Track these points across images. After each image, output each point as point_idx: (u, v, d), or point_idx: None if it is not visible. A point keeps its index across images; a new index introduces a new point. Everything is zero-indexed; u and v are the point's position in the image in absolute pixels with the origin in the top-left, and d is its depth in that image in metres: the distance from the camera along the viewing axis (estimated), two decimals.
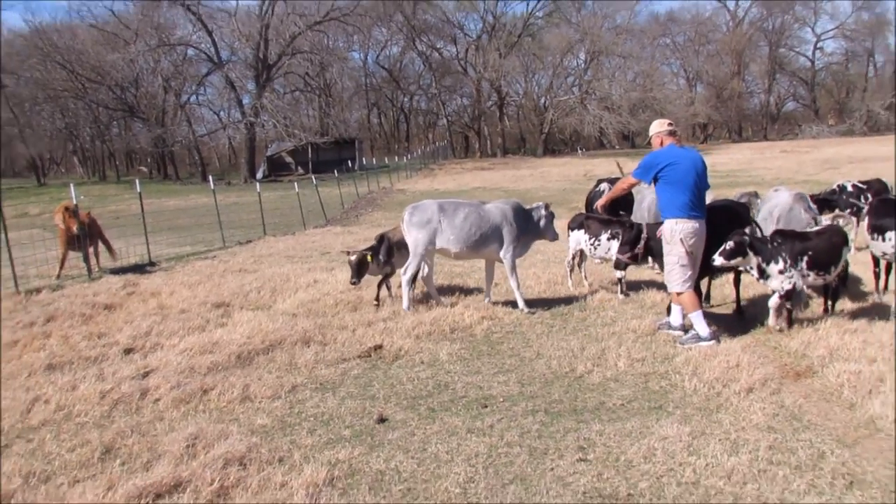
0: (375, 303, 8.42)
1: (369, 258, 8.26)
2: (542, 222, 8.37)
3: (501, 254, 8.12)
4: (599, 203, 7.63)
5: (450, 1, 72.81)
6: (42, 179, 60.98)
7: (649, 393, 5.41)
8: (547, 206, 8.48)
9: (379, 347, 6.76)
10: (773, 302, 6.56)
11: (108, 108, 59.11)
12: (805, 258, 6.48)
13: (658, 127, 6.88)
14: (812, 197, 10.16)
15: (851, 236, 10.43)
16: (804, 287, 6.88)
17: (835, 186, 10.83)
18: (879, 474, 4.01)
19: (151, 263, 13.37)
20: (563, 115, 67.42)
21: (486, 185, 35.84)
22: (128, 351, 6.94)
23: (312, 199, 24.45)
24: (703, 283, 7.90)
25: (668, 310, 7.17)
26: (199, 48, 56.03)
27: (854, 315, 7.00)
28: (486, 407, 5.24)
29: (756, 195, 10.59)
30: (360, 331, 7.36)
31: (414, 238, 8.02)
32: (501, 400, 5.37)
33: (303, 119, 62.59)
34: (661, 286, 9.01)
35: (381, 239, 8.48)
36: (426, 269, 8.51)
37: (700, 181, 6.53)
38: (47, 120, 63.20)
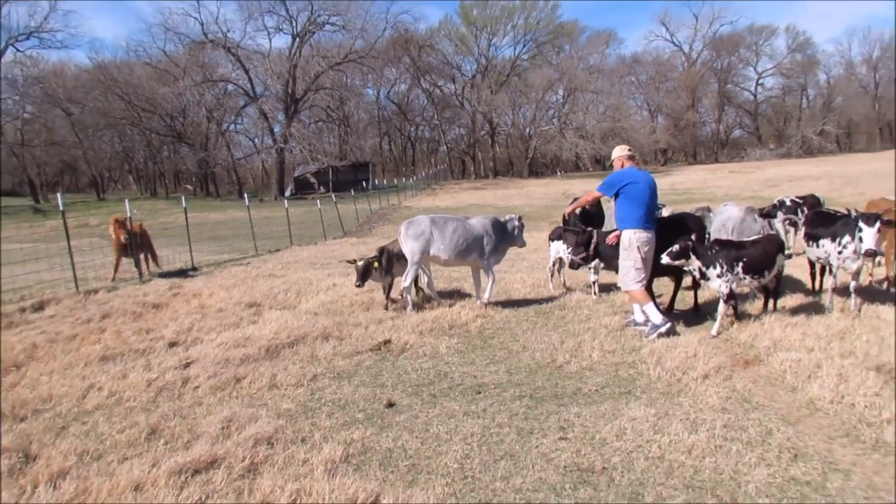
0: (387, 306, 8.30)
1: (375, 265, 8.11)
2: (514, 232, 8.37)
3: (482, 261, 8.10)
4: (567, 210, 7.60)
5: (449, 46, 73.16)
6: (102, 195, 60.86)
7: (619, 380, 5.34)
8: (519, 218, 8.49)
9: (388, 342, 6.68)
10: (722, 308, 6.48)
11: (159, 134, 59.12)
12: (741, 264, 6.42)
13: (620, 152, 7.00)
14: (759, 210, 10.12)
15: (790, 244, 10.40)
16: (751, 288, 6.82)
17: (776, 201, 10.73)
18: (819, 448, 3.94)
19: (194, 268, 13.29)
20: (544, 143, 67.60)
21: (479, 203, 35.81)
22: (172, 344, 6.87)
23: (332, 213, 24.40)
24: (661, 291, 7.82)
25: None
26: (238, 84, 56.10)
27: (794, 311, 6.93)
28: (480, 393, 5.17)
29: (709, 209, 10.52)
30: (371, 328, 7.29)
31: (410, 248, 7.92)
32: (493, 387, 5.30)
33: (325, 145, 62.59)
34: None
35: (382, 251, 8.31)
36: (425, 278, 8.44)
37: (653, 198, 6.73)
38: (107, 144, 63.23)
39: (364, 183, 47.85)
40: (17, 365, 6.28)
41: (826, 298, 7.17)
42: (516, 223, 8.40)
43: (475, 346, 6.58)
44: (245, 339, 6.79)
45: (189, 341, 6.98)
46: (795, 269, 9.02)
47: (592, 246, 7.48)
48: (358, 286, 8.12)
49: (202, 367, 5.89)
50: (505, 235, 8.28)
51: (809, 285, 8.09)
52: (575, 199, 7.85)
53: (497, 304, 8.29)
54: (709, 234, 7.60)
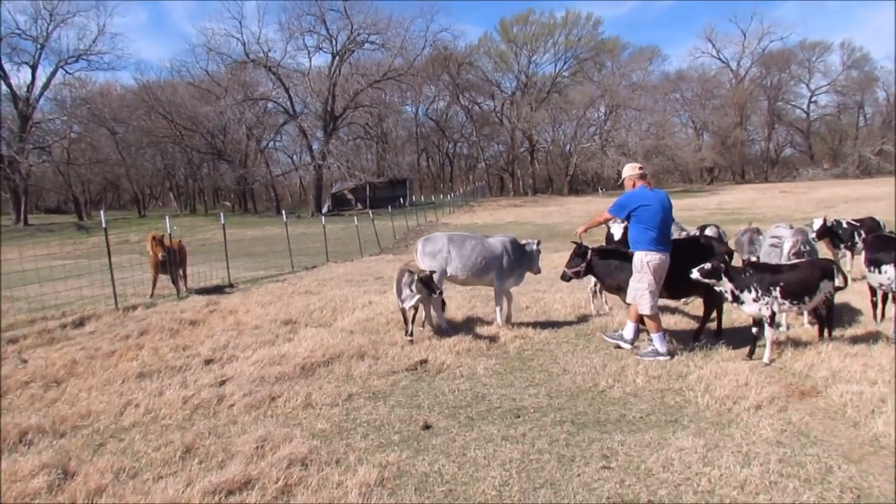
0: (421, 326, 8.18)
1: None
2: (532, 256, 8.31)
3: (498, 282, 8.02)
4: (579, 230, 7.55)
5: (488, 63, 73.63)
6: (143, 212, 62.59)
7: (666, 407, 5.21)
8: (538, 243, 8.44)
9: (424, 362, 6.66)
10: (769, 334, 6.27)
11: (200, 151, 60.60)
12: (778, 288, 6.22)
13: (630, 170, 6.93)
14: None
15: (847, 268, 10.04)
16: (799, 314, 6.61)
17: (831, 223, 10.40)
18: (885, 489, 3.75)
19: (231, 285, 13.50)
20: (585, 160, 67.17)
21: (518, 220, 35.65)
22: (208, 362, 6.95)
23: (369, 230, 24.60)
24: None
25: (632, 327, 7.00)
26: (278, 102, 57.26)
27: (854, 340, 6.67)
28: (519, 417, 5.10)
29: (758, 231, 10.25)
30: (407, 347, 7.28)
31: (427, 267, 7.83)
32: (532, 411, 5.22)
33: (362, 162, 63.35)
34: (673, 311, 8.78)
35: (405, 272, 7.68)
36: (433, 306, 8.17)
37: (666, 219, 6.62)
38: (149, 162, 65.06)
39: (401, 199, 48.18)
40: (57, 381, 6.42)
41: (890, 328, 6.88)
42: (535, 247, 8.34)
43: (514, 368, 6.50)
44: (280, 357, 6.84)
45: (225, 358, 7.06)
46: (855, 295, 8.69)
47: (585, 262, 7.44)
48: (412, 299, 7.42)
49: (237, 385, 5.95)
50: (523, 258, 8.22)
51: (871, 314, 7.77)
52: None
53: (536, 324, 8.20)
54: (757, 256, 7.42)
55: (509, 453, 4.38)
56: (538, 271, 8.54)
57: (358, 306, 9.84)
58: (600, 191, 66.09)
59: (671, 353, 6.55)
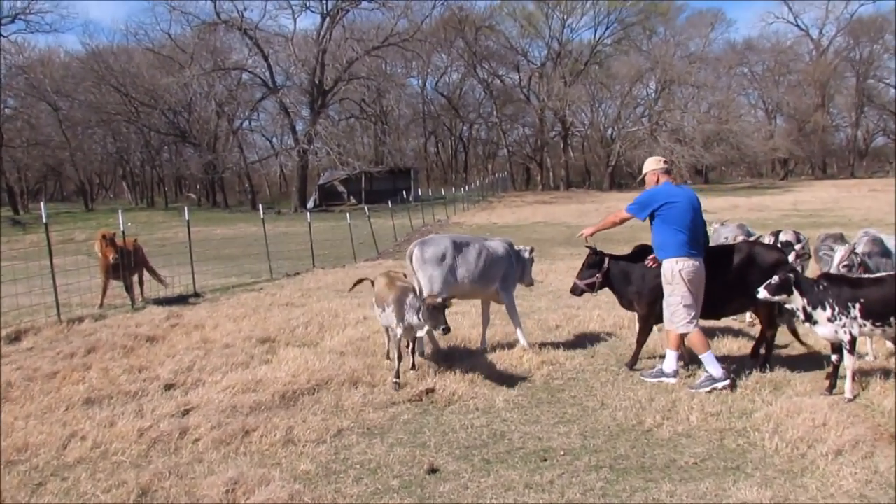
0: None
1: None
2: (525, 266, 8.59)
3: (504, 292, 8.24)
4: (586, 232, 7.56)
5: (513, 26, 73.69)
6: (90, 204, 63.10)
7: (725, 451, 5.22)
8: (531, 250, 8.72)
9: (431, 391, 6.69)
10: (850, 363, 6.26)
11: (160, 132, 61.17)
12: (857, 305, 6.21)
13: (654, 164, 7.12)
14: None
15: None
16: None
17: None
18: None
19: (196, 294, 13.61)
20: (631, 147, 67.07)
21: (548, 220, 35.69)
22: (168, 386, 7.01)
23: (364, 230, 24.67)
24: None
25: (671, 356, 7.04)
26: (255, 73, 57.69)
27: None
28: (546, 460, 5.13)
29: (842, 237, 10.21)
30: (410, 373, 7.33)
31: (429, 276, 7.84)
32: (562, 453, 5.25)
33: (357, 147, 63.77)
34: (737, 333, 8.78)
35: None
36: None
37: (697, 220, 6.78)
38: (98, 144, 65.81)
39: (404, 193, 48.24)
40: None
41: None
42: (527, 255, 8.61)
43: (540, 401, 6.53)
44: (256, 383, 6.89)
45: (189, 383, 7.12)
46: None
47: (601, 273, 7.49)
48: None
49: (204, 416, 6.00)
50: (519, 265, 8.52)
51: None
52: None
53: (568, 347, 8.23)
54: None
55: None
56: (530, 283, 8.89)
57: (350, 322, 9.90)
58: None
59: (731, 378, 6.57)
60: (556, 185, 71.69)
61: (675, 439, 5.48)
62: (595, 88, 70.55)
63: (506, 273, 8.24)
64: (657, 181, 6.96)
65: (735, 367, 7.08)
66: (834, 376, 6.39)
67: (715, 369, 6.58)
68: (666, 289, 6.75)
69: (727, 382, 6.51)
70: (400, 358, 7.14)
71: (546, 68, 71.98)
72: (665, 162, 7.14)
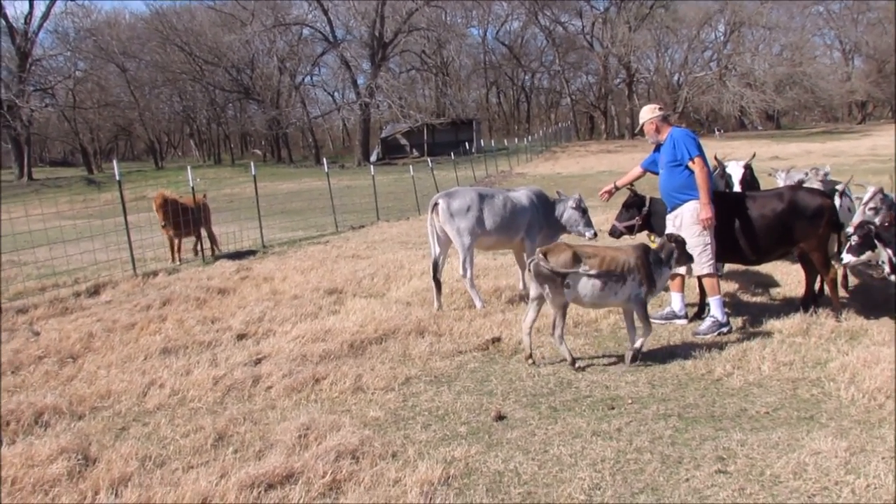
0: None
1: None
2: (565, 216, 8.35)
3: (529, 242, 8.17)
4: (619, 182, 7.57)
5: None
6: (160, 163, 64.63)
7: (798, 401, 5.12)
8: (579, 201, 8.30)
9: (497, 340, 6.72)
10: None
11: (224, 90, 61.94)
12: None
13: (650, 113, 7.13)
14: None
15: None
16: None
17: None
18: None
19: (264, 248, 13.89)
20: (699, 93, 65.21)
21: (612, 169, 35.01)
22: (241, 336, 7.23)
23: (427, 182, 24.70)
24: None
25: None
26: (315, 27, 57.79)
27: None
28: (613, 409, 5.12)
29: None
30: (476, 322, 7.35)
31: (457, 228, 7.90)
32: (630, 401, 5.23)
33: (418, 99, 63.53)
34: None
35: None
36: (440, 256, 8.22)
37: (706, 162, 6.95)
38: (166, 103, 67.10)
39: (467, 145, 47.95)
40: (72, 356, 6.83)
41: None
42: (571, 205, 8.30)
43: (607, 350, 6.50)
44: (325, 333, 7.05)
45: (260, 333, 7.33)
46: None
47: (642, 214, 7.39)
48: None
49: (275, 364, 6.17)
50: (552, 216, 8.36)
51: None
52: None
53: None
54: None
55: (601, 451, 4.41)
56: (593, 235, 8.25)
57: (415, 273, 9.97)
58: (717, 132, 64.16)
59: (730, 325, 6.79)
60: (621, 134, 70.29)
61: (746, 388, 5.40)
62: (661, 33, 68.39)
63: (530, 222, 8.23)
64: (656, 129, 7.01)
65: (811, 317, 6.91)
66: None
67: (721, 314, 6.75)
68: (690, 230, 6.70)
69: (730, 327, 6.75)
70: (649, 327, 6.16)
71: (610, 13, 69.99)
72: (661, 109, 7.14)
